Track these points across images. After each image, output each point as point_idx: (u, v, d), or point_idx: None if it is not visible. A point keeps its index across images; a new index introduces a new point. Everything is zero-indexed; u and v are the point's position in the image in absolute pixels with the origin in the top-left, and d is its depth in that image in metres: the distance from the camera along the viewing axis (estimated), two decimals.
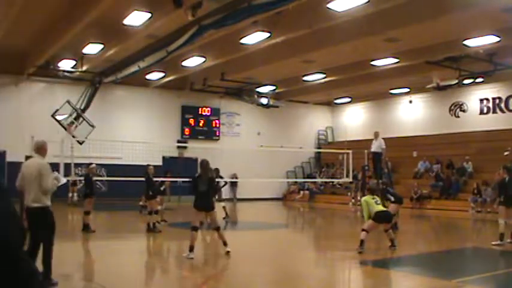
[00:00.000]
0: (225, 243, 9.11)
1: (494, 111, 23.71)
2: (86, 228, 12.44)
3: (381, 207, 10.06)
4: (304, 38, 15.77)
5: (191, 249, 8.79)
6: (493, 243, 10.75)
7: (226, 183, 20.14)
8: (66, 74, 20.66)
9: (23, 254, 0.91)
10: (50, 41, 16.79)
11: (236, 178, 25.06)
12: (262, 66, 19.75)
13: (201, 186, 9.02)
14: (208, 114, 27.01)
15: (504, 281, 7.87)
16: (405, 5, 12.95)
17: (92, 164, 13.64)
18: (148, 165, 13.57)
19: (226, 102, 27.17)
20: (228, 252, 9.04)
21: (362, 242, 9.59)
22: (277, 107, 27.12)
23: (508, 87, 23.05)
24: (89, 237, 11.97)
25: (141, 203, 17.82)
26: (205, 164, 9.27)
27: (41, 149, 6.53)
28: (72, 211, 18.38)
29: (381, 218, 9.85)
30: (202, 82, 23.56)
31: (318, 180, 27.82)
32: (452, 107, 25.26)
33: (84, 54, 18.19)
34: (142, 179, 15.15)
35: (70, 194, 20.48)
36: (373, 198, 10.09)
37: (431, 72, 20.22)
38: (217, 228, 9.22)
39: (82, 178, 14.51)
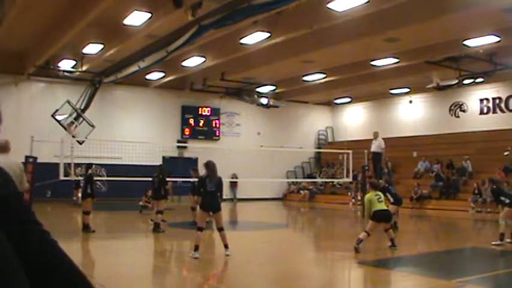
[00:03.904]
0: (226, 246, 9.10)
1: (494, 111, 23.70)
2: (86, 228, 12.43)
3: (382, 206, 10.05)
4: (304, 38, 15.77)
5: (196, 248, 8.89)
6: (493, 243, 10.75)
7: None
8: (66, 74, 20.65)
9: None
10: (50, 41, 16.78)
11: (236, 178, 25.06)
12: (262, 66, 19.74)
13: (210, 186, 9.10)
14: (208, 114, 27.00)
15: (504, 281, 7.87)
16: (405, 5, 12.96)
17: (92, 165, 13.63)
18: (161, 165, 13.65)
19: (226, 102, 27.17)
20: (228, 255, 9.04)
21: (360, 240, 9.59)
22: (277, 107, 27.11)
23: (508, 87, 23.05)
24: (89, 237, 11.97)
25: (141, 203, 17.82)
26: (212, 165, 9.34)
27: (5, 148, 6.04)
28: (76, 211, 18.37)
29: (380, 217, 9.86)
30: (202, 82, 23.55)
31: (318, 180, 27.81)
32: (452, 107, 25.25)
33: (84, 54, 18.18)
34: (143, 179, 15.15)
35: (78, 194, 20.42)
36: (376, 195, 10.05)
37: (431, 72, 20.21)
38: (221, 229, 9.24)
39: (82, 178, 14.47)
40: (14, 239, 0.68)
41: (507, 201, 10.94)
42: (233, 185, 26.41)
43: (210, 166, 9.33)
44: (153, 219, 13.01)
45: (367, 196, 10.31)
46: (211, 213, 9.34)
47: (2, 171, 0.76)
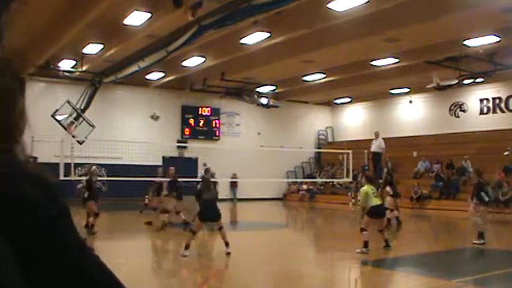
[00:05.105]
0: (226, 244, 9.19)
1: (494, 111, 23.71)
2: (87, 227, 12.26)
3: (377, 201, 10.04)
4: (304, 38, 15.77)
5: (187, 247, 8.96)
6: (475, 241, 10.81)
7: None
8: (66, 74, 20.64)
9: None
10: (50, 41, 16.77)
11: (236, 178, 25.06)
12: (262, 66, 19.73)
13: (206, 194, 9.23)
14: (208, 114, 27.01)
15: (504, 281, 7.87)
16: (405, 5, 12.96)
17: (92, 166, 13.59)
18: (169, 167, 13.83)
19: (226, 102, 27.17)
20: (229, 253, 9.10)
21: (366, 243, 9.57)
22: (277, 107, 27.12)
23: (508, 87, 23.05)
24: (89, 238, 11.94)
25: (146, 201, 17.79)
26: (207, 180, 9.83)
27: None
28: (78, 211, 18.33)
29: (376, 212, 9.88)
30: (202, 82, 23.54)
31: (318, 180, 27.81)
32: (452, 107, 25.26)
33: (84, 54, 18.18)
34: (143, 179, 15.17)
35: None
36: (372, 189, 10.07)
37: (431, 72, 20.21)
38: (221, 228, 9.37)
39: (82, 179, 14.45)
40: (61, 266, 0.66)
41: (486, 199, 10.98)
42: (233, 185, 26.40)
43: (204, 180, 9.74)
44: (165, 220, 13.12)
45: (363, 189, 10.23)
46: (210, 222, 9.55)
47: (47, 185, 0.71)
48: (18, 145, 0.69)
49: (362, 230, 9.75)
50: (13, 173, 0.66)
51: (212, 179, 15.73)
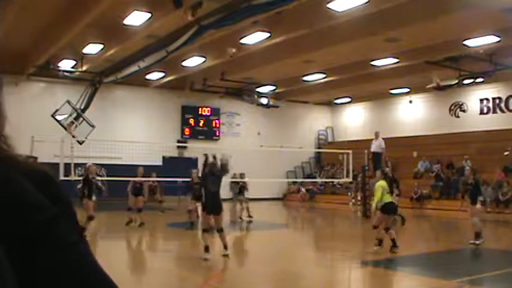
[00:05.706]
0: (225, 247, 9.12)
1: (494, 111, 23.70)
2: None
3: (389, 197, 9.98)
4: (304, 38, 15.77)
5: (207, 249, 8.90)
6: (471, 241, 10.81)
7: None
8: (66, 74, 20.63)
9: None
10: (50, 41, 16.77)
11: (236, 178, 25.02)
12: (262, 66, 19.73)
13: (213, 187, 9.07)
14: (208, 114, 27.02)
15: (504, 281, 7.87)
16: (405, 5, 12.96)
17: (88, 163, 13.52)
18: (192, 170, 14.00)
19: (226, 102, 27.17)
20: (226, 255, 9.05)
21: (381, 241, 9.54)
22: (277, 107, 27.11)
23: (508, 87, 23.05)
24: (88, 238, 11.91)
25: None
26: (214, 161, 9.57)
27: None
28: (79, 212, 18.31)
29: (389, 209, 9.79)
30: (202, 82, 23.55)
31: (318, 180, 27.80)
32: (452, 107, 25.26)
33: (84, 54, 18.18)
34: (143, 179, 15.25)
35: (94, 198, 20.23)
36: (386, 185, 9.97)
37: (431, 72, 20.21)
38: (220, 230, 9.25)
39: (81, 179, 14.37)
40: (55, 263, 0.66)
41: (481, 198, 11.00)
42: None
43: (212, 162, 9.49)
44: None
45: (380, 183, 9.91)
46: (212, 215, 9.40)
47: (46, 183, 0.70)
48: (1, 141, 0.68)
49: (375, 227, 9.72)
50: (10, 172, 0.65)
51: (238, 179, 15.95)
